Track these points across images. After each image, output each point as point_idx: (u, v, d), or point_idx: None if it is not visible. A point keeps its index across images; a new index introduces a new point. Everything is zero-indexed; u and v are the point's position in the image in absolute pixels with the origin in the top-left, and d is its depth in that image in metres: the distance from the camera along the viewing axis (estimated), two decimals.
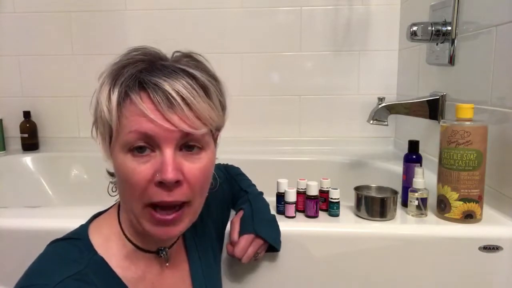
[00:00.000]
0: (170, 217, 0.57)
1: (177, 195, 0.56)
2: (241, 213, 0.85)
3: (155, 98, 0.54)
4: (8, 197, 1.49)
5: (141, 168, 0.55)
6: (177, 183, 0.56)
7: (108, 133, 0.59)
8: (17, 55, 1.71)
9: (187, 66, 0.58)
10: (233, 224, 0.84)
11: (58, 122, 1.74)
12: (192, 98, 0.55)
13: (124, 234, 0.64)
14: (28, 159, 1.65)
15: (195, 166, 0.58)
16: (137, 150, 0.56)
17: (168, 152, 0.55)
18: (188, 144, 0.57)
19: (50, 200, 1.61)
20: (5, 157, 1.65)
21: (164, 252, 0.66)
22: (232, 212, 0.90)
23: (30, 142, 1.71)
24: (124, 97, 0.56)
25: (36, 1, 1.67)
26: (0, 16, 1.68)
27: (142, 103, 0.54)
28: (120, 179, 0.58)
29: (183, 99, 0.55)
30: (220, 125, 0.62)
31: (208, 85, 0.59)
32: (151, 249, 0.65)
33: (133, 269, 0.63)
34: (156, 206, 0.57)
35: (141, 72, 0.56)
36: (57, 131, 1.75)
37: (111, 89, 0.57)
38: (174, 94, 0.54)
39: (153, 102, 0.54)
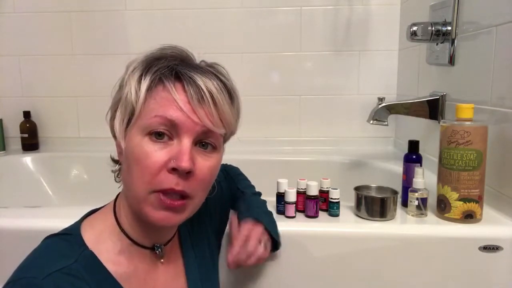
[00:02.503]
0: (176, 203, 0.58)
1: (185, 186, 0.58)
2: (237, 213, 0.86)
3: (188, 90, 0.58)
4: (8, 197, 1.49)
5: (157, 153, 0.57)
6: (188, 173, 0.58)
7: (128, 115, 0.60)
8: (17, 55, 1.71)
9: (217, 72, 0.63)
10: (231, 222, 0.84)
11: (58, 122, 1.74)
12: (220, 99, 0.59)
13: (121, 228, 0.64)
14: (28, 159, 1.65)
15: (206, 163, 0.60)
16: (155, 135, 0.58)
17: (187, 142, 0.58)
18: (203, 142, 0.60)
19: (50, 200, 1.61)
20: (5, 157, 1.65)
21: (159, 249, 0.66)
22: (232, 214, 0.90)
23: (30, 142, 1.71)
24: (157, 83, 0.59)
25: (36, 1, 1.67)
26: (0, 16, 1.69)
27: (176, 91, 0.58)
28: (132, 161, 0.59)
29: (212, 98, 0.59)
30: (234, 131, 0.66)
31: (233, 93, 0.64)
32: (147, 244, 0.66)
33: (126, 264, 0.63)
34: (163, 192, 0.58)
35: (177, 65, 0.60)
36: (57, 131, 1.75)
37: (144, 74, 0.60)
38: (206, 91, 0.58)
39: (186, 94, 0.58)
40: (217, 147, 0.62)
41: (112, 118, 0.63)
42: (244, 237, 0.79)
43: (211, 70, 0.62)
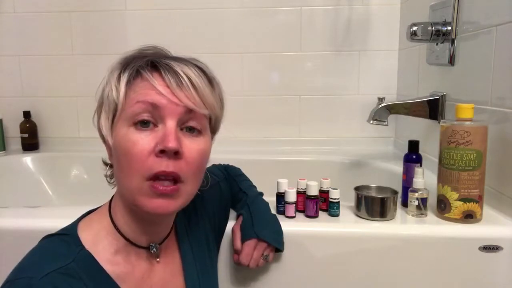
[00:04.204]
0: (169, 188, 0.58)
1: (175, 167, 0.58)
2: (240, 219, 0.85)
3: (166, 76, 0.59)
4: (8, 197, 1.49)
5: (144, 140, 0.58)
6: (177, 154, 0.58)
7: (112, 112, 0.61)
8: (17, 55, 1.71)
9: (195, 61, 0.64)
10: (234, 233, 0.84)
11: (58, 122, 1.74)
12: (199, 82, 0.60)
13: (116, 228, 0.64)
14: (28, 159, 1.65)
15: (193, 146, 0.61)
16: (140, 124, 0.59)
17: (171, 124, 0.59)
18: (188, 126, 0.61)
19: (50, 200, 1.61)
20: (5, 157, 1.65)
21: (154, 248, 0.67)
22: (232, 216, 0.90)
23: (30, 142, 1.71)
24: (135, 76, 0.60)
25: (36, 1, 1.67)
26: (0, 16, 1.69)
27: (154, 79, 0.59)
28: (120, 153, 0.59)
29: (191, 81, 0.60)
30: (219, 116, 0.66)
31: (212, 80, 0.65)
32: (143, 244, 0.66)
33: (123, 263, 0.63)
34: (155, 179, 0.58)
35: (153, 57, 0.62)
36: (57, 131, 1.75)
37: (122, 72, 0.61)
38: (183, 76, 0.59)
39: (164, 80, 0.59)
40: (202, 130, 0.62)
41: (98, 119, 0.64)
42: (248, 256, 0.80)
43: (189, 60, 0.63)
